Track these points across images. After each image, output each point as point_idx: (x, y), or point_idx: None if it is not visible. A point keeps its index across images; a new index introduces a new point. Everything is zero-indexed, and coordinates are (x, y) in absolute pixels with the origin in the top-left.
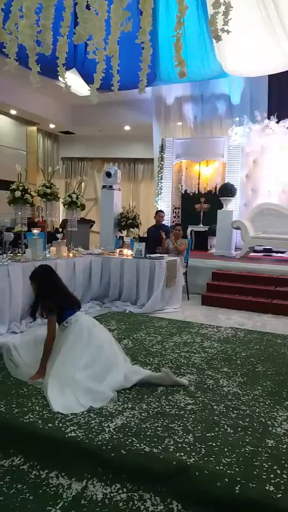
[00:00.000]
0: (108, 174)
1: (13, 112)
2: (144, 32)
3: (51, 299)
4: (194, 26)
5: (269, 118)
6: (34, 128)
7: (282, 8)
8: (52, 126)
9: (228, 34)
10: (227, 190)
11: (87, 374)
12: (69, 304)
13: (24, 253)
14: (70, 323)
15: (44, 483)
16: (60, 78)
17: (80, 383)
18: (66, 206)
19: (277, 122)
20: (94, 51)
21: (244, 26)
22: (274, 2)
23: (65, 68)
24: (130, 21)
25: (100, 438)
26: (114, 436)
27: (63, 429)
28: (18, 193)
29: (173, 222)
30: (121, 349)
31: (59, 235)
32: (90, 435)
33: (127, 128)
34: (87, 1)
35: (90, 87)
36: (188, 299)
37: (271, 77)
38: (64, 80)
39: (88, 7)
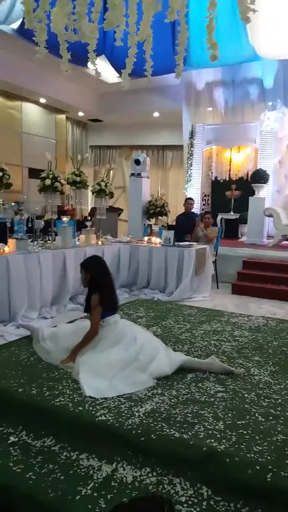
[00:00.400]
0: (137, 162)
1: (42, 100)
2: (173, 10)
3: (101, 291)
4: (226, 8)
5: None
6: (63, 116)
7: None
8: (80, 114)
9: (254, 13)
10: (259, 177)
11: (130, 367)
12: (113, 302)
13: (54, 240)
14: (108, 323)
15: (75, 464)
16: (90, 64)
17: (119, 375)
18: (95, 194)
19: None
20: (121, 38)
21: (278, 7)
22: None
23: (95, 54)
24: (160, 1)
25: (130, 422)
26: (144, 421)
27: (93, 412)
28: (48, 181)
29: (202, 210)
30: (159, 340)
31: (88, 223)
32: (120, 419)
33: (156, 114)
34: None
35: (122, 72)
36: (218, 288)
37: None
38: (95, 66)
39: None
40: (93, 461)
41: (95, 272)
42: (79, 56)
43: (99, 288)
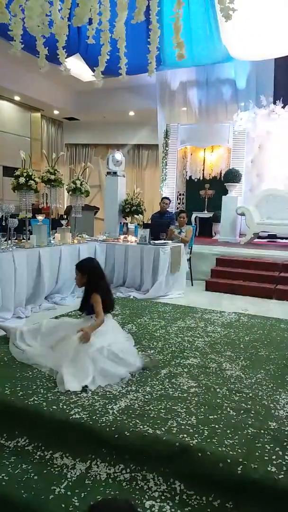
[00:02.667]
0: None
1: (17, 98)
2: (140, 12)
3: (99, 292)
4: (199, 9)
5: (274, 103)
6: (38, 114)
7: None
8: (56, 112)
9: (233, 12)
10: (232, 176)
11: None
12: (110, 302)
13: (29, 239)
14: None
15: (48, 463)
16: (68, 61)
17: (98, 362)
18: (70, 193)
19: (283, 107)
20: (93, 36)
21: (250, 9)
22: None
23: (68, 53)
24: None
25: (104, 420)
26: (118, 418)
27: (67, 411)
28: (22, 180)
29: (177, 208)
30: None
31: (63, 222)
32: (94, 417)
33: (131, 114)
34: None
35: (95, 69)
36: (192, 285)
37: (277, 61)
38: (64, 63)
39: None
40: (67, 459)
41: (92, 274)
42: (54, 54)
43: (97, 289)
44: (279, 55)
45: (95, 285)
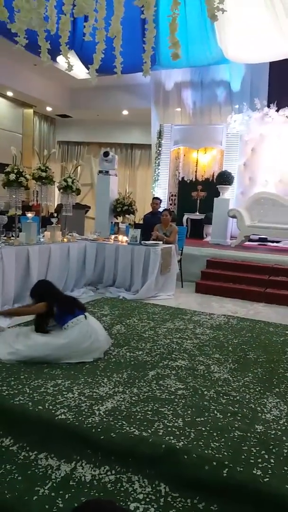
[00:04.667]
0: (106, 154)
1: (9, 93)
2: (149, 6)
3: (56, 306)
4: (195, 9)
5: (268, 106)
6: (31, 110)
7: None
8: (49, 109)
9: (222, 13)
10: (224, 178)
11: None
12: (70, 309)
13: (18, 236)
14: (71, 326)
15: (33, 464)
16: (62, 58)
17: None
18: (61, 191)
19: (277, 111)
20: (90, 33)
21: (246, 12)
22: None
23: (62, 50)
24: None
25: (90, 421)
26: (104, 419)
27: (53, 411)
28: (12, 176)
29: (169, 209)
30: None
31: (53, 220)
32: (80, 418)
33: (125, 113)
34: None
35: (89, 67)
36: (182, 286)
37: (272, 65)
38: (67, 59)
39: None
40: (52, 460)
41: (44, 296)
42: (51, 50)
43: (52, 306)
44: (274, 58)
45: (51, 305)
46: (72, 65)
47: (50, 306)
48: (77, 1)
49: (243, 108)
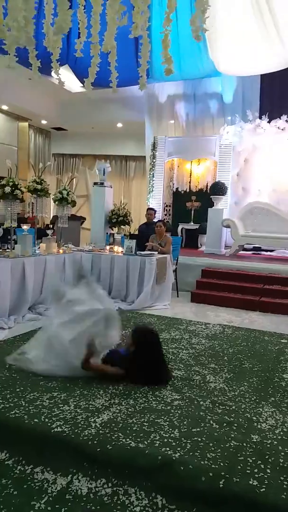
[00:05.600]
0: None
1: (4, 107)
2: (137, 27)
3: (143, 370)
4: (187, 24)
5: (260, 118)
6: (26, 124)
7: (276, 13)
8: (44, 122)
9: (205, 32)
10: (218, 189)
11: None
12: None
13: (13, 249)
14: None
15: (29, 478)
16: (53, 73)
17: None
18: (56, 203)
19: (269, 122)
20: (82, 49)
21: (237, 27)
22: (269, 6)
23: (59, 64)
24: (126, 16)
25: (86, 433)
26: (100, 431)
27: (49, 424)
28: (8, 189)
29: (164, 219)
30: None
31: (49, 231)
32: (76, 430)
33: (119, 125)
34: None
35: (84, 81)
36: (178, 296)
37: (263, 77)
38: (58, 75)
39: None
40: (48, 474)
41: (143, 348)
42: (43, 64)
43: (143, 366)
44: (264, 71)
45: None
46: (63, 81)
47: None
48: (56, 20)
49: (236, 120)
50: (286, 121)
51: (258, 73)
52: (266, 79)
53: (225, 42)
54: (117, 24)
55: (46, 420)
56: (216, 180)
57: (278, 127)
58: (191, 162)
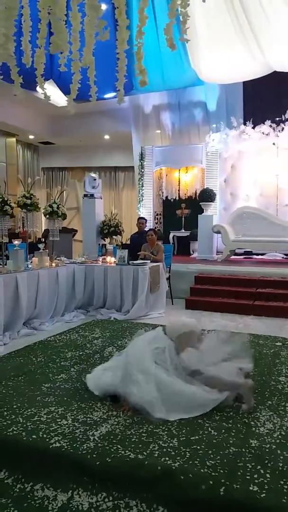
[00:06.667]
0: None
1: None
2: (124, 41)
3: None
4: None
5: (245, 124)
6: (13, 139)
7: (253, 20)
8: (31, 137)
9: (187, 42)
10: (207, 195)
11: None
12: None
13: (6, 264)
14: None
15: (29, 496)
16: (39, 89)
17: None
18: (47, 216)
19: (253, 128)
20: (65, 64)
21: (217, 36)
22: (246, 15)
23: (43, 79)
24: (107, 30)
25: (85, 447)
26: (99, 444)
27: (47, 440)
28: None
29: (155, 228)
30: None
31: (40, 245)
32: (74, 445)
33: (106, 137)
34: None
35: (67, 97)
36: (172, 303)
37: (245, 84)
38: (43, 91)
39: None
40: (48, 491)
41: None
42: (28, 80)
43: None
44: (246, 78)
45: None
46: (49, 95)
47: None
48: (52, 39)
49: (221, 127)
50: (270, 126)
51: (240, 80)
52: (249, 85)
53: (205, 51)
54: (99, 39)
55: (44, 436)
56: (205, 187)
57: (263, 132)
58: (179, 170)
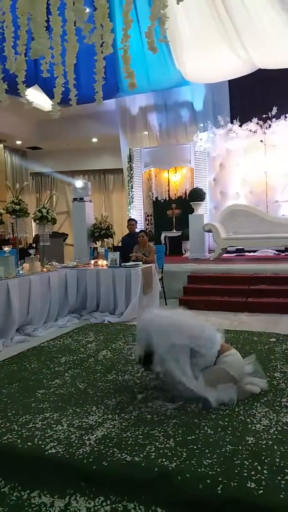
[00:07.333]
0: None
1: None
2: (108, 45)
3: None
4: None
5: (232, 122)
6: (0, 145)
7: (235, 18)
8: (18, 142)
9: (166, 44)
10: (196, 195)
11: None
12: None
13: None
14: None
15: (26, 503)
16: (27, 93)
17: None
18: (37, 221)
19: (240, 126)
20: (48, 70)
21: (201, 35)
22: (228, 12)
23: (26, 85)
24: (93, 33)
25: (81, 452)
26: (95, 448)
27: (42, 446)
28: None
29: (146, 229)
30: None
31: (31, 251)
32: (70, 450)
33: (94, 140)
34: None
35: (52, 101)
36: (166, 304)
37: (231, 82)
38: (25, 97)
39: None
40: (45, 497)
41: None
42: (12, 86)
43: None
44: (231, 77)
45: None
46: (32, 101)
47: None
48: (31, 44)
49: (208, 126)
50: (257, 123)
51: (226, 79)
52: (234, 84)
53: (189, 51)
54: (86, 42)
55: (40, 442)
56: (194, 187)
57: (250, 130)
58: (168, 171)
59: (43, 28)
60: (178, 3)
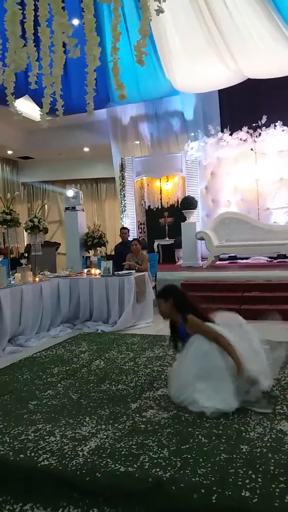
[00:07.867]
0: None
1: None
2: (95, 59)
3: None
4: None
5: (222, 131)
6: None
7: (223, 29)
8: (10, 152)
9: (146, 56)
10: (188, 203)
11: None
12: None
13: None
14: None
15: None
16: (17, 103)
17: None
18: (28, 231)
19: (230, 134)
20: (36, 81)
21: (190, 46)
22: (216, 23)
23: (15, 96)
24: (78, 47)
25: (74, 463)
26: (89, 460)
27: (35, 458)
28: None
29: (139, 237)
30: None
31: (23, 261)
32: (63, 461)
33: (86, 149)
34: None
35: (40, 111)
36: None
37: (220, 92)
38: (14, 108)
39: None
40: (38, 510)
41: (177, 296)
42: (2, 96)
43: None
44: (221, 86)
45: (185, 308)
46: (20, 112)
47: None
48: (13, 57)
49: (199, 135)
50: (247, 132)
51: (215, 89)
52: (224, 93)
53: (179, 62)
54: (70, 56)
55: (32, 454)
56: (186, 195)
57: (240, 139)
58: (160, 179)
59: (22, 41)
60: (158, 15)
